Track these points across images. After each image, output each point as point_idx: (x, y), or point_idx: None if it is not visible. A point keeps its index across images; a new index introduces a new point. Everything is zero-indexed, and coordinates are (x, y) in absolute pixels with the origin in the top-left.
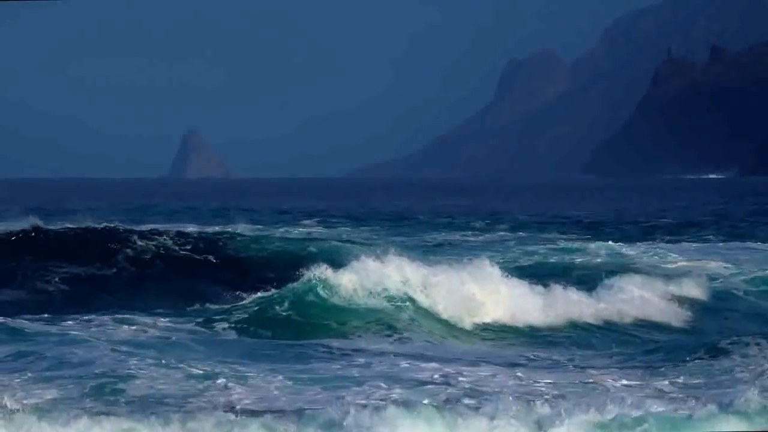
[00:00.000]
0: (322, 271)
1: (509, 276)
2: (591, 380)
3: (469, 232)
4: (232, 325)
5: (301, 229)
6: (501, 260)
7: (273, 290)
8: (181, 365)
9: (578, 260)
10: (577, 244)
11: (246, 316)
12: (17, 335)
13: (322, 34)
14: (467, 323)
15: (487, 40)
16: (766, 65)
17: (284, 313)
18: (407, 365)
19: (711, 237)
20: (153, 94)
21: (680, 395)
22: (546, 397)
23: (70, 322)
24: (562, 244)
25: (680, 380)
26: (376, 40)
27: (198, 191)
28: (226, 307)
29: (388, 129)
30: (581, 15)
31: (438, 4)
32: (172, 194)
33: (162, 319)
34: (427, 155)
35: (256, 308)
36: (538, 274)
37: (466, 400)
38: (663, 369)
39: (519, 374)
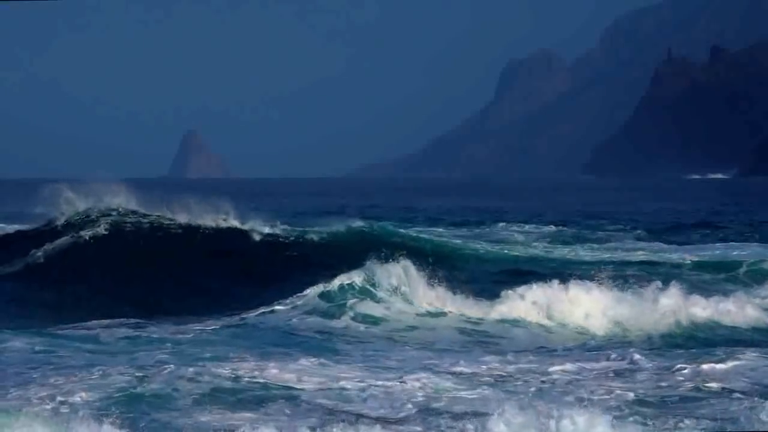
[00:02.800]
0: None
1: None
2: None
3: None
4: (278, 320)
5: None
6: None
7: (317, 288)
8: (226, 361)
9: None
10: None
11: (296, 312)
12: (50, 337)
13: None
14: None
15: (487, 40)
16: (766, 65)
17: (332, 312)
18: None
19: (721, 236)
20: (153, 94)
21: None
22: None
23: (109, 320)
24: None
25: None
26: None
27: (203, 191)
28: (270, 304)
29: (388, 129)
30: (581, 15)
31: (439, 3)
32: (175, 194)
33: (201, 319)
34: (427, 155)
35: (303, 305)
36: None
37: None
38: None
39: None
